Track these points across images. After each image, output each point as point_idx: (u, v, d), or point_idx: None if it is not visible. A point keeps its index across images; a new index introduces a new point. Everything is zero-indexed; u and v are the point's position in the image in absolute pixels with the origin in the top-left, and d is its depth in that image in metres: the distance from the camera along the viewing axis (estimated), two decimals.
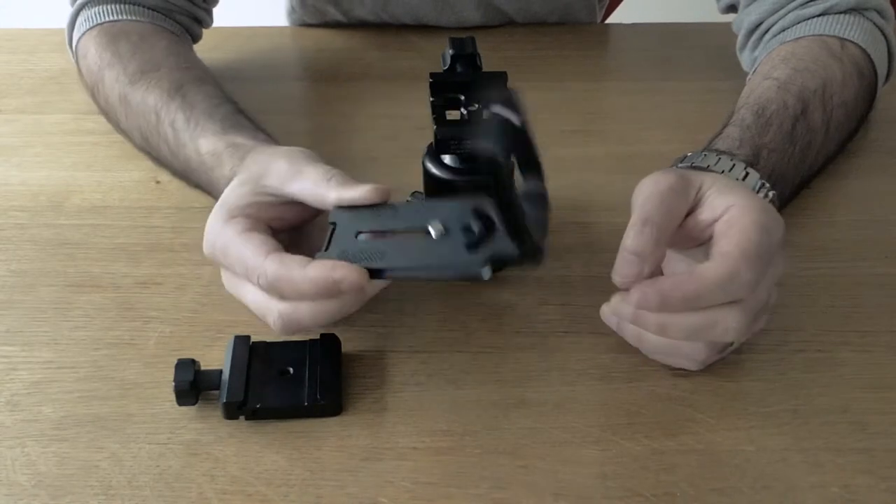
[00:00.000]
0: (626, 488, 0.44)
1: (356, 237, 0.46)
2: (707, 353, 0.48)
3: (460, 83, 0.53)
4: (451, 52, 0.54)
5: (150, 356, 0.52)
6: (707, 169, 0.54)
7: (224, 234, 0.48)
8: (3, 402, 0.49)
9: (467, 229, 0.45)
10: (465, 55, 0.54)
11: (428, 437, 0.47)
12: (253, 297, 0.48)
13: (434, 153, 0.54)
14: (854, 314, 0.54)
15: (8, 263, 0.59)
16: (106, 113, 0.70)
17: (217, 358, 0.51)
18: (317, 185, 0.48)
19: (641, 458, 0.45)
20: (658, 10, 1.17)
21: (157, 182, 0.66)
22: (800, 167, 0.60)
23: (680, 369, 0.50)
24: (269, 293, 0.46)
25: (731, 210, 0.46)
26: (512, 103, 0.39)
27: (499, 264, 0.44)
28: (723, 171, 0.53)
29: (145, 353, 0.52)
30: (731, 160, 0.54)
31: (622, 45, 0.87)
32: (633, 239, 0.45)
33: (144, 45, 0.68)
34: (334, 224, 0.47)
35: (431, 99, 0.52)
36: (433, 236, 0.45)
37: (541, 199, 0.43)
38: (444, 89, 0.53)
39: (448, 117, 0.52)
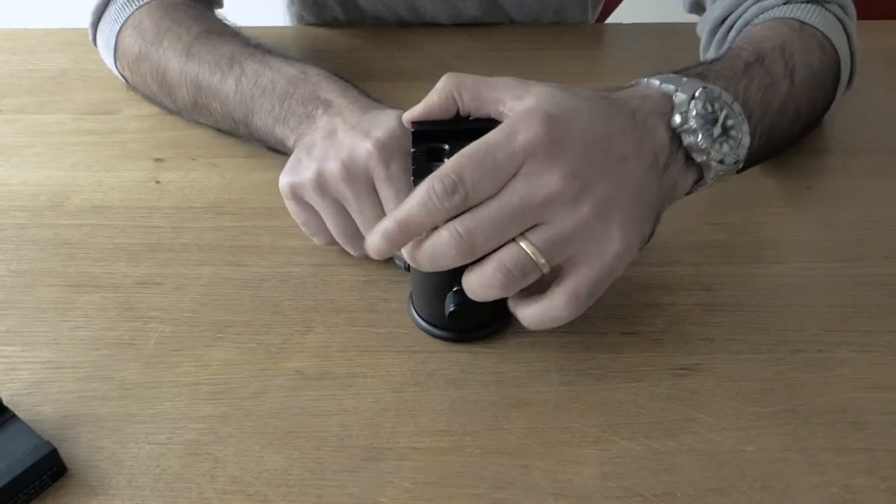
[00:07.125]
0: (626, 488, 0.44)
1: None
2: (501, 273, 0.43)
3: (445, 132, 0.47)
4: None
5: (150, 356, 0.52)
6: (633, 86, 0.52)
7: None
8: (4, 402, 0.49)
9: None
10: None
11: (428, 437, 0.47)
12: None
13: None
14: (854, 314, 0.54)
15: (8, 263, 0.59)
16: (151, 73, 0.70)
17: (217, 358, 0.51)
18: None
19: (641, 458, 0.45)
20: (657, 10, 1.17)
21: (157, 182, 0.66)
22: (766, 108, 0.56)
23: (680, 368, 0.50)
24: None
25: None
26: None
27: None
28: (648, 82, 0.52)
29: (145, 353, 0.52)
30: (669, 74, 0.52)
31: (621, 46, 0.87)
32: None
33: (204, 16, 0.71)
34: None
35: (413, 149, 0.47)
36: None
37: None
38: (427, 138, 0.47)
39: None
